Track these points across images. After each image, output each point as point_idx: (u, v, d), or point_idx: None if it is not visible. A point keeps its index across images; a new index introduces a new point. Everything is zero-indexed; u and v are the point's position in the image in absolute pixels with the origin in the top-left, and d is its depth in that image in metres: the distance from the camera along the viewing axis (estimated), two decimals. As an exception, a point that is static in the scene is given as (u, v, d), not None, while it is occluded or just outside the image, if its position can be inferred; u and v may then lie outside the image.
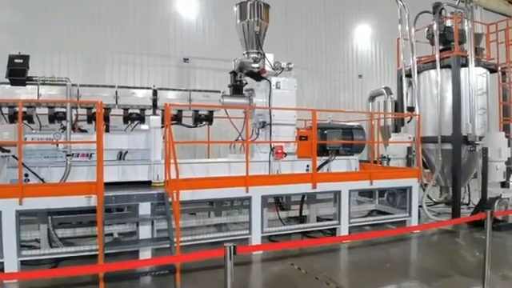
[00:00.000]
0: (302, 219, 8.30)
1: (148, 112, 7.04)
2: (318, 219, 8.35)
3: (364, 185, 8.00)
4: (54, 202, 5.53)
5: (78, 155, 6.47)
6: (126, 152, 6.90)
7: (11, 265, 5.35)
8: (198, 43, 13.21)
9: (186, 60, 12.99)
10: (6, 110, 6.32)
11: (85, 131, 7.63)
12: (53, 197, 5.51)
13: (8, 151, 5.61)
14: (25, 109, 6.21)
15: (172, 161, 5.64)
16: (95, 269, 4.71)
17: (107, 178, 5.78)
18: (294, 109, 7.85)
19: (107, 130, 6.97)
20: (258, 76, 7.80)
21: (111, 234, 6.98)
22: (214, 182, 6.41)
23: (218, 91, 7.58)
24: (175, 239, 5.29)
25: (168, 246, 5.44)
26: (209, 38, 13.41)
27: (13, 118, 6.31)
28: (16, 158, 5.78)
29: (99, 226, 4.88)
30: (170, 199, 5.65)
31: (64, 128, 6.52)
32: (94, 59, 11.78)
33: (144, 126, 7.20)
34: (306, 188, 7.32)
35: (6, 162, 5.91)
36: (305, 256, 6.53)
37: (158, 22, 12.72)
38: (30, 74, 6.28)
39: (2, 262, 5.37)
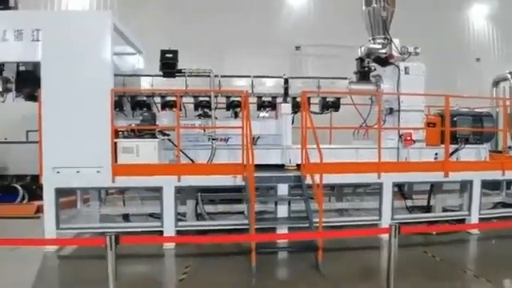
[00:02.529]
0: (428, 209, 8.07)
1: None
2: (444, 210, 8.03)
3: (496, 175, 7.50)
4: (204, 180, 6.20)
5: (216, 139, 7.10)
6: (258, 137, 7.37)
7: (169, 234, 6.16)
8: (308, 30, 13.31)
9: (297, 48, 13.22)
10: (158, 100, 7.18)
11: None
12: (203, 175, 6.18)
13: (168, 135, 6.41)
14: (173, 98, 6.98)
15: (308, 146, 5.92)
16: (250, 238, 5.21)
17: (240, 160, 6.23)
18: (424, 94, 7.59)
19: (236, 117, 7.49)
20: (385, 62, 7.69)
21: (242, 212, 7.56)
22: (346, 167, 6.55)
23: (345, 78, 7.65)
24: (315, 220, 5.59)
25: (303, 225, 5.80)
26: (320, 24, 13.41)
27: (164, 107, 7.15)
28: (171, 142, 6.58)
29: (252, 202, 5.35)
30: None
31: (200, 115, 7.22)
32: (213, 50, 12.55)
33: (262, 113, 7.58)
34: (437, 176, 7.09)
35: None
36: (433, 245, 6.40)
37: (273, 10, 13.06)
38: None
39: (162, 231, 6.21)
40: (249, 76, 7.23)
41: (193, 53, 12.17)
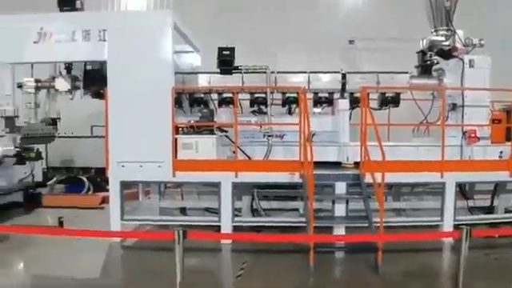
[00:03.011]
0: (490, 210, 7.61)
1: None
2: (506, 211, 7.55)
3: None
4: (261, 177, 6.24)
5: (272, 136, 7.10)
6: (314, 134, 7.28)
7: (226, 229, 6.28)
8: (363, 23, 12.91)
9: (351, 42, 12.89)
10: (214, 96, 7.30)
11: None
12: (260, 172, 6.22)
13: (226, 131, 6.52)
14: (229, 94, 7.07)
15: (368, 143, 5.77)
16: (309, 238, 5.18)
17: (297, 157, 6.18)
18: (490, 89, 7.14)
19: (290, 113, 7.44)
20: (448, 55, 7.30)
21: (297, 209, 7.55)
22: (408, 166, 6.31)
23: (406, 72, 7.36)
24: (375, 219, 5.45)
25: (361, 225, 5.66)
26: (375, 16, 12.97)
27: (221, 104, 7.26)
28: (228, 138, 6.68)
29: (311, 201, 5.32)
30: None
31: (254, 112, 7.25)
32: (264, 47, 12.55)
33: (316, 110, 7.43)
34: (502, 176, 6.67)
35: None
36: (495, 247, 6.02)
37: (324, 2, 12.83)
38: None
39: (219, 226, 6.33)
40: (305, 72, 7.16)
41: (244, 49, 12.27)
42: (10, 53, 6.45)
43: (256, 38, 12.39)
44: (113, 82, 6.28)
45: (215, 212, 7.11)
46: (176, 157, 6.29)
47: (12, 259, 5.86)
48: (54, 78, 7.35)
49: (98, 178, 10.10)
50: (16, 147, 7.56)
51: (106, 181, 8.87)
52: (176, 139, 6.31)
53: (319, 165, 6.64)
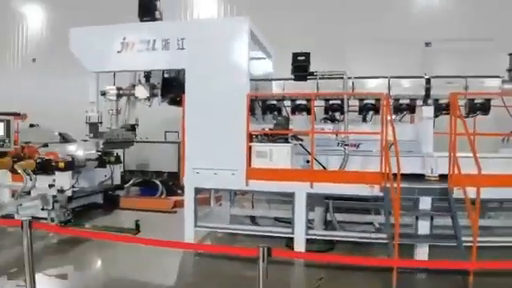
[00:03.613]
0: None
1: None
2: None
3: None
4: (338, 189, 5.95)
5: (347, 145, 6.77)
6: (392, 144, 6.84)
7: (300, 241, 6.07)
8: (441, 24, 12.08)
9: (427, 44, 12.11)
10: (287, 103, 7.14)
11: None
12: (337, 183, 5.93)
13: (301, 140, 6.33)
14: (303, 101, 6.86)
15: (462, 154, 5.26)
16: (393, 263, 4.82)
17: (374, 168, 5.83)
18: None
19: (365, 121, 7.04)
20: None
21: (371, 223, 7.15)
22: (502, 180, 5.66)
23: (497, 76, 6.67)
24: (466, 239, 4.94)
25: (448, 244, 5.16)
26: (455, 16, 12.05)
27: (294, 111, 7.08)
28: (303, 147, 6.47)
29: (396, 217, 4.94)
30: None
31: (326, 119, 6.97)
32: (335, 51, 12.19)
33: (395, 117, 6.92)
34: None
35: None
36: None
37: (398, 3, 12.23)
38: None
39: (292, 238, 6.13)
40: (385, 77, 6.75)
41: (315, 54, 12.03)
42: (95, 62, 6.81)
43: (327, 43, 12.06)
44: (190, 90, 6.37)
45: (285, 222, 6.97)
46: (250, 165, 6.21)
47: (90, 260, 6.15)
48: (133, 85, 7.66)
49: (170, 182, 10.39)
50: (98, 151, 7.98)
51: (178, 185, 9.14)
52: (250, 147, 6.23)
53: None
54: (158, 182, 10.17)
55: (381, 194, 5.70)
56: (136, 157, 10.49)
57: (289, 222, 6.38)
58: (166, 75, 7.51)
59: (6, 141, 6.38)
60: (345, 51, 12.17)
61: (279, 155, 6.15)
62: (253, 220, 7.69)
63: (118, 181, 9.06)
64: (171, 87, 7.41)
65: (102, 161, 8.52)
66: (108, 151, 8.64)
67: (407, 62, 12.00)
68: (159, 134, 11.26)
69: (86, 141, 7.79)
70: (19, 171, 6.87)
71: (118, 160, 8.80)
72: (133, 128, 8.51)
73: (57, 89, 13.92)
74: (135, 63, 6.68)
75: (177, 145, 10.63)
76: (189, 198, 6.42)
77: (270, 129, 6.47)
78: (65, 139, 9.34)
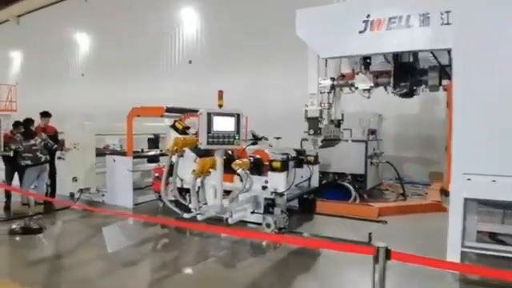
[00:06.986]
0: None
1: None
2: None
3: None
4: None
5: None
6: None
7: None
8: None
9: None
10: None
11: None
12: None
13: None
14: None
15: None
16: None
17: None
18: None
19: None
20: None
21: None
22: None
23: None
24: None
25: None
26: None
27: None
28: None
29: None
30: None
31: None
32: None
33: None
34: None
35: None
36: None
37: None
38: None
39: None
40: None
41: None
42: (329, 46, 5.89)
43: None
44: (459, 75, 5.05)
45: None
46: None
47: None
48: (355, 74, 6.64)
49: (356, 186, 9.27)
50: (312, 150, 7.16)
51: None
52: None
53: None
54: (349, 186, 9.04)
55: None
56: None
57: None
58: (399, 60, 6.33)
59: (236, 137, 5.69)
60: None
61: None
62: (492, 237, 6.12)
63: (316, 183, 8.13)
64: (406, 75, 6.21)
65: (299, 160, 7.70)
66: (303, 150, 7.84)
67: None
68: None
69: (305, 140, 6.97)
70: (239, 171, 6.27)
71: (316, 160, 7.88)
72: (338, 124, 7.54)
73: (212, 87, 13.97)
74: (383, 45, 5.56)
75: (363, 144, 9.50)
76: (455, 209, 5.12)
77: None
78: (254, 137, 8.74)
